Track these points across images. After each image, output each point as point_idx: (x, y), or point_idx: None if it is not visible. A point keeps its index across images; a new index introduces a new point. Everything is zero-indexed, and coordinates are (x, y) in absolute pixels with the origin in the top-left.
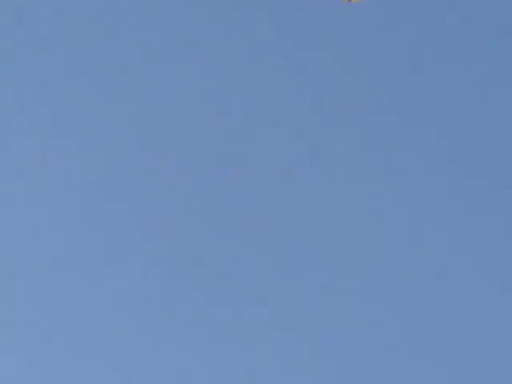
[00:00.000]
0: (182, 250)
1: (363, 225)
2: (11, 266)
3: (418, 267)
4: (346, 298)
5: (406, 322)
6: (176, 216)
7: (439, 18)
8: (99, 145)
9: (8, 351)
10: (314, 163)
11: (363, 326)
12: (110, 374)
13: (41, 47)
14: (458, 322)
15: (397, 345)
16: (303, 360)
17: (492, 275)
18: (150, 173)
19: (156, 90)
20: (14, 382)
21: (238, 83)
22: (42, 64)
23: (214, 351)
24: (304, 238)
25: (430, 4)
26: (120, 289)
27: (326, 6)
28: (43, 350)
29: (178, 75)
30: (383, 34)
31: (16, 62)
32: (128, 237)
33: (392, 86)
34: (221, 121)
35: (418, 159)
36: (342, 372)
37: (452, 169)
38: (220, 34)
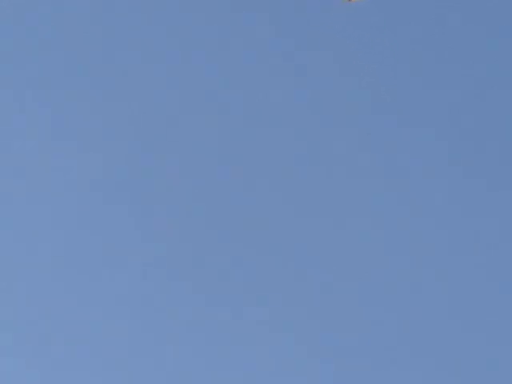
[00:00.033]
0: (182, 249)
1: (363, 225)
2: (11, 265)
3: (418, 267)
4: (346, 298)
5: (406, 322)
6: (176, 216)
7: (439, 18)
8: (99, 145)
9: (8, 351)
10: (314, 163)
11: (363, 326)
12: (110, 373)
13: (41, 47)
14: (458, 322)
15: (397, 345)
16: (303, 360)
17: (492, 275)
18: (150, 173)
19: (156, 89)
20: (13, 382)
21: (238, 83)
22: (42, 64)
23: (214, 351)
24: (304, 238)
25: (430, 4)
26: (120, 289)
27: (326, 6)
28: (43, 349)
29: (178, 75)
30: (383, 34)
31: (16, 62)
32: (128, 237)
33: (392, 86)
34: (221, 121)
35: (418, 159)
36: (342, 372)
37: (452, 169)
38: (220, 33)
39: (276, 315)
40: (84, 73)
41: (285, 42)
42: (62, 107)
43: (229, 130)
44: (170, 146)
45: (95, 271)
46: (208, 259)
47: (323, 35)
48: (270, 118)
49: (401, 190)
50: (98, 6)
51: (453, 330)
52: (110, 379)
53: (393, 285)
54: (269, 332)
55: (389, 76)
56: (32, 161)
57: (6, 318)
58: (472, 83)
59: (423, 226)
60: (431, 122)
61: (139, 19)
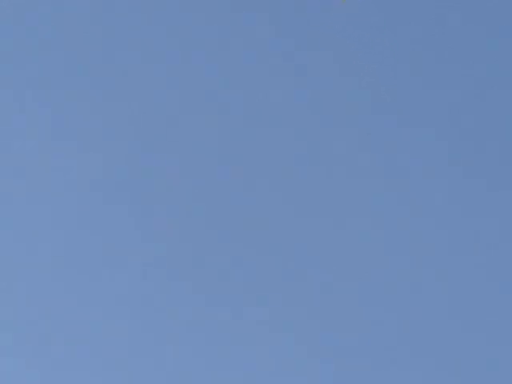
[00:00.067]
0: (182, 250)
1: (363, 225)
2: (11, 265)
3: (418, 267)
4: (346, 298)
5: (406, 322)
6: (176, 216)
7: (439, 18)
8: (99, 145)
9: (8, 351)
10: (314, 163)
11: (363, 326)
12: (110, 373)
13: (41, 47)
14: (457, 322)
15: (397, 345)
16: (303, 360)
17: (492, 275)
18: (150, 173)
19: (156, 89)
20: (13, 382)
21: (238, 83)
22: (42, 64)
23: (214, 351)
24: (304, 238)
25: (430, 4)
26: (120, 289)
27: (326, 6)
28: (43, 349)
29: (178, 75)
30: (383, 34)
31: (16, 62)
32: (128, 237)
33: (392, 86)
34: (221, 121)
35: (417, 159)
36: (342, 372)
37: (452, 169)
38: (220, 33)
39: (276, 315)
40: (84, 73)
41: (285, 41)
42: (62, 107)
43: (229, 130)
44: (170, 146)
45: (95, 271)
46: (208, 259)
47: (323, 35)
48: (269, 118)
49: (401, 190)
50: (98, 6)
51: (453, 330)
52: (110, 379)
53: (393, 285)
54: (269, 332)
55: (389, 76)
56: (32, 161)
57: (6, 318)
58: (472, 83)
59: (423, 226)
60: (431, 121)
61: (139, 19)
